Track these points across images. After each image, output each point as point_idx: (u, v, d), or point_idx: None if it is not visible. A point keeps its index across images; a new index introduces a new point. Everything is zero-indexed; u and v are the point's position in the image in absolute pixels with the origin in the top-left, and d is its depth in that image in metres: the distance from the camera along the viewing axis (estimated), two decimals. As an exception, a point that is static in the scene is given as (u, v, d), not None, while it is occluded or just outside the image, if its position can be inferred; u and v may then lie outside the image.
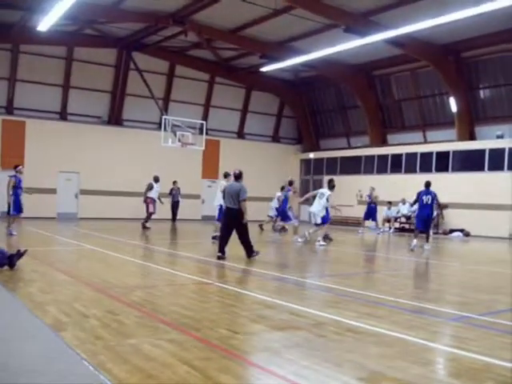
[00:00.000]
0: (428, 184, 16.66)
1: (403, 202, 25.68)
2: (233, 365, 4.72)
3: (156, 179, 22.08)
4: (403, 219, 26.29)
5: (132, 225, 23.97)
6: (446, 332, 6.52)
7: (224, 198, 12.57)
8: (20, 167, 17.44)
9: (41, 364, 4.51)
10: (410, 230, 25.72)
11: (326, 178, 31.10)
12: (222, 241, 12.33)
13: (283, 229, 21.41)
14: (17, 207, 16.82)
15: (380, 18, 21.24)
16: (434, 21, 17.92)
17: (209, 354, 4.95)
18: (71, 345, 4.96)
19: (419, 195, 16.62)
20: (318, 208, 17.05)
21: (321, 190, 17.67)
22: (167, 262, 12.44)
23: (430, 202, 16.35)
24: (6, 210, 17.19)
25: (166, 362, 4.60)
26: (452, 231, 24.11)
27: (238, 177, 12.53)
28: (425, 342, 5.63)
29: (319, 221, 17.16)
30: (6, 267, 9.18)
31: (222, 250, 12.21)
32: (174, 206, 26.75)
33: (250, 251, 12.40)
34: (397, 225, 26.38)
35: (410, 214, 25.78)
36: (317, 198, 17.27)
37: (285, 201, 20.34)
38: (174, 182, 26.51)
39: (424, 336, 5.85)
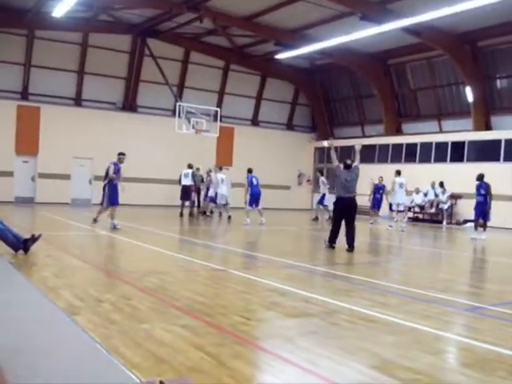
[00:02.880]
0: (483, 176, 17.38)
1: (417, 191, 25.57)
2: (245, 351, 4.75)
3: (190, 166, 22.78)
4: (417, 209, 26.19)
5: (145, 211, 24.07)
6: (458, 322, 6.51)
7: (337, 187, 12.38)
8: (123, 156, 15.67)
9: (55, 347, 4.55)
10: (423, 220, 25.69)
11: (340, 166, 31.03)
12: (336, 232, 12.22)
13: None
14: (110, 199, 15.01)
15: (396, 6, 21.05)
16: (451, 9, 17.77)
17: (221, 340, 4.97)
18: (85, 329, 5.00)
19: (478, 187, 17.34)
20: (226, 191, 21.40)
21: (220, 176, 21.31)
22: (180, 248, 12.49)
23: (484, 192, 17.13)
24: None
25: (178, 348, 4.63)
26: (466, 222, 23.96)
27: (350, 166, 12.59)
28: (437, 332, 5.63)
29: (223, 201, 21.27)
30: (20, 251, 9.25)
31: (334, 240, 12.20)
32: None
33: (353, 242, 12.10)
34: (410, 214, 26.27)
35: (423, 203, 25.71)
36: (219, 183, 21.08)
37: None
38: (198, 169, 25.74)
39: (437, 326, 5.85)
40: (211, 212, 22.94)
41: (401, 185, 20.06)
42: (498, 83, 25.37)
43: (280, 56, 26.78)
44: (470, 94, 24.79)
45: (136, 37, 27.81)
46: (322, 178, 24.16)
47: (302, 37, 25.48)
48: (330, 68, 31.18)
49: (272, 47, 27.27)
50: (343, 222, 12.30)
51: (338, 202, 12.29)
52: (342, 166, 12.83)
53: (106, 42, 27.21)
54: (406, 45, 25.45)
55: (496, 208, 22.85)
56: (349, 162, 12.54)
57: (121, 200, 26.07)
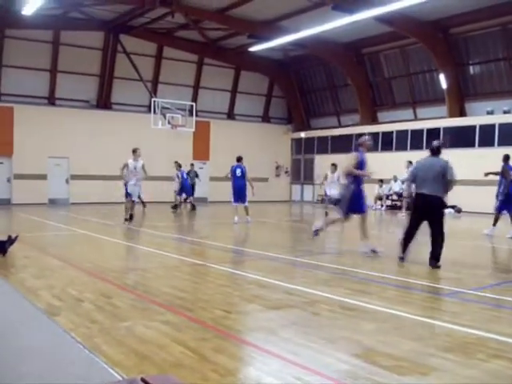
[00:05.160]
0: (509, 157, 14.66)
1: (394, 179, 25.73)
2: (228, 345, 4.76)
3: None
4: (395, 197, 26.37)
5: (123, 209, 23.91)
6: (437, 307, 6.57)
7: (415, 181, 9.53)
8: (368, 140, 11.03)
9: (36, 349, 4.50)
10: (401, 208, 25.86)
11: (317, 157, 31.27)
12: (409, 239, 9.65)
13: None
14: (349, 205, 10.66)
15: (368, -5, 21.10)
16: (422, -3, 17.83)
17: (203, 335, 4.97)
18: (66, 329, 4.96)
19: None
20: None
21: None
22: (159, 244, 12.43)
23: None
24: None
25: (160, 344, 4.62)
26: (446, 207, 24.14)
27: (438, 151, 9.55)
28: (417, 318, 5.68)
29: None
30: (-2, 254, 9.16)
31: (405, 249, 9.68)
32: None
33: (439, 255, 9.25)
34: (388, 202, 26.45)
35: (401, 191, 25.88)
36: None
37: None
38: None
39: (416, 311, 5.91)
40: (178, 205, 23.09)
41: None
42: (471, 69, 25.56)
43: (253, 48, 26.72)
44: (443, 81, 24.95)
45: (108, 33, 27.54)
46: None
47: (275, 28, 25.42)
48: (303, 59, 31.18)
49: (245, 40, 27.18)
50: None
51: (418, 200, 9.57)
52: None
53: (78, 39, 26.88)
54: (379, 34, 25.53)
55: (471, 193, 23.13)
56: (436, 143, 9.59)
57: (100, 199, 25.41)
